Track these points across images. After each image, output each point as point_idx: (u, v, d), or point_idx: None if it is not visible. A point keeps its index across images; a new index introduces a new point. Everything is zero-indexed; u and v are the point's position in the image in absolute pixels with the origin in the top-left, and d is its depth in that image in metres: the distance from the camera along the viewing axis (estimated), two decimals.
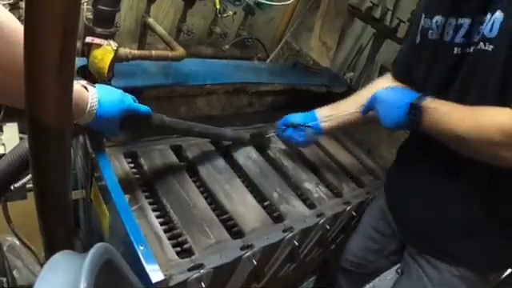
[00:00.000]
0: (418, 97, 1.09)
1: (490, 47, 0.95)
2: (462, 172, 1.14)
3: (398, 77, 1.38)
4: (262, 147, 1.68)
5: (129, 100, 1.05)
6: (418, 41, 1.21)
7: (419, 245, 1.35)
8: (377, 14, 2.62)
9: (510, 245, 1.18)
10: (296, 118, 1.55)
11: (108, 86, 1.02)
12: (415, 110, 1.07)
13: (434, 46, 1.14)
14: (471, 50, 1.02)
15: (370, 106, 1.26)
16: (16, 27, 0.62)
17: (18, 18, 1.46)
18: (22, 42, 0.60)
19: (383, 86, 1.28)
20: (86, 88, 0.93)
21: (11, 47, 0.60)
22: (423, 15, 1.17)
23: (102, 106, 0.95)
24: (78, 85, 0.91)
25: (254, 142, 1.67)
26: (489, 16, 0.96)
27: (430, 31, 1.14)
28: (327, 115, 1.50)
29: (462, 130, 0.98)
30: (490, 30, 0.94)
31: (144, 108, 1.11)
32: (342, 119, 1.47)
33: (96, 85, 0.99)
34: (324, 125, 1.51)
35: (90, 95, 0.92)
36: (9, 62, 0.61)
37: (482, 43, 0.97)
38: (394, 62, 1.48)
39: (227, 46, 2.14)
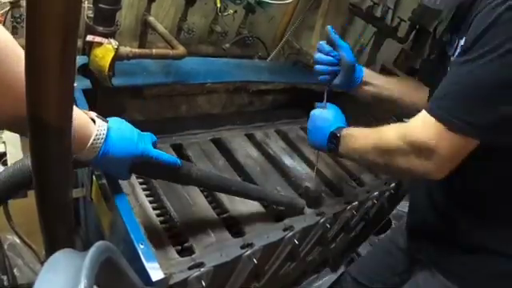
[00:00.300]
0: (339, 127, 1.22)
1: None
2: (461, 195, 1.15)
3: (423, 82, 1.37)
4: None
5: (145, 144, 0.92)
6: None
7: (421, 252, 1.35)
8: (378, 12, 2.61)
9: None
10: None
11: (125, 123, 0.91)
12: (334, 138, 1.20)
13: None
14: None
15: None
16: (7, 44, 0.59)
17: (19, 17, 1.46)
18: (11, 58, 0.59)
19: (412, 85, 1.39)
20: (95, 120, 0.82)
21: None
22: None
23: (108, 145, 0.83)
24: (84, 115, 0.81)
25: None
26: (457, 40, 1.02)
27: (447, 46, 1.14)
28: (371, 76, 1.42)
29: (368, 149, 1.10)
30: (453, 53, 1.02)
31: (167, 157, 0.96)
32: (383, 92, 1.41)
33: (114, 119, 0.90)
34: (365, 81, 1.41)
35: (97, 128, 0.81)
36: None
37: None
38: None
39: (228, 45, 2.14)
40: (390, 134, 1.05)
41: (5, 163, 1.15)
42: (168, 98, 1.58)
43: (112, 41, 1.15)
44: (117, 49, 1.15)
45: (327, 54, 1.36)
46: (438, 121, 0.93)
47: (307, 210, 1.43)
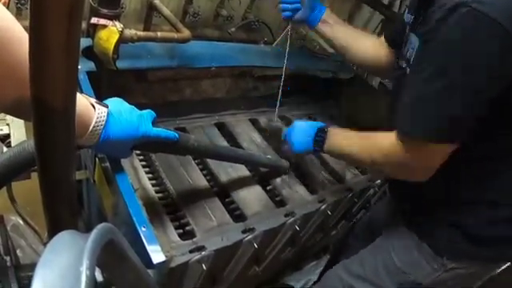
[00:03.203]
0: (323, 127, 1.32)
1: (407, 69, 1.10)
2: None
3: (388, 41, 1.46)
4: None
5: (146, 126, 0.93)
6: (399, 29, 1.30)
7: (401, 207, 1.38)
8: (385, 0, 2.59)
9: (468, 239, 1.16)
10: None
11: (127, 106, 0.92)
12: (322, 133, 1.30)
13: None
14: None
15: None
16: (9, 27, 0.58)
17: None
18: (14, 40, 0.59)
19: (371, 44, 1.51)
20: (95, 106, 0.81)
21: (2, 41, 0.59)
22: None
23: (108, 130, 0.84)
24: (85, 101, 0.80)
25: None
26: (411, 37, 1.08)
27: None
28: (332, 18, 1.56)
29: (352, 151, 1.22)
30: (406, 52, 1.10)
31: (165, 133, 0.98)
32: (339, 36, 1.55)
33: (114, 101, 0.90)
34: (324, 20, 1.55)
35: (97, 115, 0.80)
36: None
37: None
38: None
39: (233, 29, 2.12)
40: (372, 145, 1.16)
41: (9, 145, 1.15)
42: (172, 81, 1.57)
43: (117, 23, 1.15)
44: (121, 31, 1.14)
45: None
46: (408, 140, 1.02)
47: (309, 197, 1.44)
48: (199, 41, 1.65)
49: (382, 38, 1.50)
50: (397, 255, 1.30)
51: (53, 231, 0.64)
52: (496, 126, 1.02)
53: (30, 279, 0.35)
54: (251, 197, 1.33)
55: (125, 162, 1.14)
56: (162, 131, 0.97)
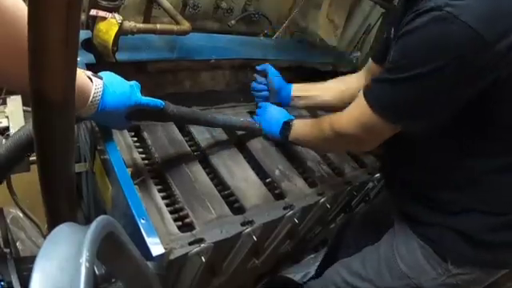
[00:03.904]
0: (290, 118, 1.49)
1: None
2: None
3: (375, 61, 1.48)
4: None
5: (136, 95, 1.02)
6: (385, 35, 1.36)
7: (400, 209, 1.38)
8: None
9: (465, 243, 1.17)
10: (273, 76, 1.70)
11: (117, 78, 0.99)
12: (287, 126, 1.46)
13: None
14: None
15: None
16: (15, 3, 0.60)
17: None
18: (17, 18, 0.60)
19: (355, 81, 1.55)
20: (91, 79, 0.89)
21: (8, 26, 0.59)
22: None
23: (105, 100, 0.92)
24: (83, 74, 0.87)
25: None
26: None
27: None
28: (301, 91, 1.66)
29: (309, 136, 1.38)
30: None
31: (153, 102, 1.07)
32: (313, 102, 1.64)
33: (104, 74, 0.96)
34: (294, 96, 1.65)
35: (94, 87, 0.88)
36: (4, 38, 0.60)
37: None
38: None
39: (233, 22, 2.12)
40: (325, 123, 1.28)
41: (8, 137, 1.15)
42: (172, 73, 1.57)
43: (116, 15, 1.14)
44: (121, 23, 1.14)
45: (259, 83, 1.71)
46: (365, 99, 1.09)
47: (308, 190, 1.44)
48: (199, 33, 1.65)
49: (362, 70, 1.58)
50: (401, 258, 1.30)
51: (52, 224, 0.64)
52: (486, 137, 1.06)
53: (29, 271, 0.35)
54: (250, 189, 1.33)
55: (124, 155, 1.15)
56: (150, 100, 1.06)
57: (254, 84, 1.73)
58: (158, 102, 1.08)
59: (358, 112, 1.12)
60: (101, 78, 0.92)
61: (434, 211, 1.21)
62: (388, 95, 1.04)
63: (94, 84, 0.88)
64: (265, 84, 1.70)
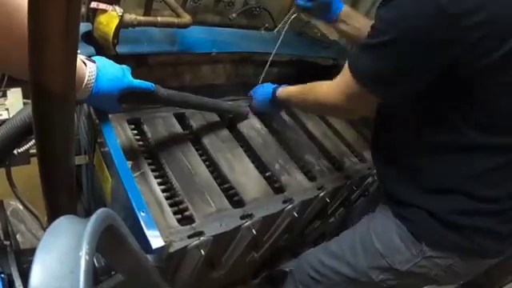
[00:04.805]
0: (278, 86, 1.55)
1: None
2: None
3: None
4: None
5: (128, 78, 1.03)
6: None
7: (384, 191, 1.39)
8: None
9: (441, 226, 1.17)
10: None
11: (109, 61, 1.00)
12: (274, 92, 1.53)
13: None
14: None
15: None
16: None
17: None
18: (20, 7, 0.60)
19: None
20: (85, 63, 0.91)
21: (11, 12, 0.59)
22: None
23: (99, 83, 0.94)
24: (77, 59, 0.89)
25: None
26: None
27: None
28: (350, 17, 1.58)
29: (301, 101, 1.43)
30: None
31: (144, 84, 1.08)
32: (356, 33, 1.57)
33: (96, 58, 0.98)
34: (340, 19, 1.58)
35: (88, 70, 0.90)
36: (7, 29, 0.60)
37: None
38: None
39: (234, 15, 2.11)
40: (317, 86, 1.31)
41: None
42: (172, 66, 1.57)
43: (117, 8, 1.14)
44: (121, 16, 1.14)
45: None
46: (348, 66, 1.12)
47: (308, 184, 1.44)
48: (200, 26, 1.64)
49: None
50: (377, 237, 1.30)
51: (52, 216, 0.65)
52: (457, 117, 1.07)
53: (29, 264, 0.35)
54: (250, 183, 1.33)
55: (124, 148, 1.15)
56: (141, 82, 1.08)
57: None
58: (149, 84, 1.10)
59: (342, 79, 1.16)
60: (94, 62, 0.94)
61: (412, 190, 1.21)
62: (362, 60, 1.08)
63: (87, 67, 0.90)
64: None
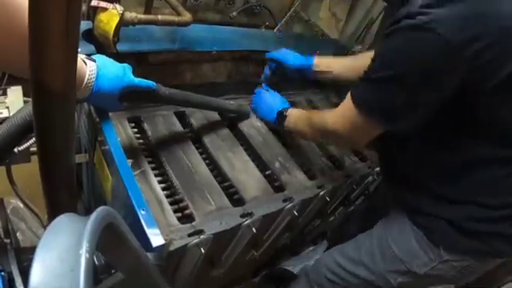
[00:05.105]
0: (284, 107, 1.51)
1: None
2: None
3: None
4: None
5: (129, 76, 1.03)
6: None
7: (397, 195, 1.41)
8: None
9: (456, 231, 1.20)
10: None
11: (109, 60, 1.00)
12: (281, 116, 1.49)
13: None
14: None
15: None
16: None
17: None
18: (20, 7, 0.60)
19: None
20: (85, 62, 0.90)
21: (11, 12, 0.59)
22: None
23: (99, 82, 0.93)
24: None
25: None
26: None
27: None
28: (323, 66, 1.67)
29: (301, 127, 1.40)
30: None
31: (145, 83, 1.08)
32: (333, 75, 1.65)
33: (97, 56, 0.98)
34: (315, 71, 1.67)
35: (88, 69, 0.90)
36: (7, 29, 0.61)
37: None
38: None
39: (235, 13, 2.11)
40: (317, 118, 1.32)
41: None
42: (173, 65, 1.57)
43: (117, 6, 1.14)
44: (122, 14, 1.14)
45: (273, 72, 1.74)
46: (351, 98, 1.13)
47: (308, 182, 1.44)
48: (200, 24, 1.64)
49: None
50: (394, 242, 1.32)
51: (53, 214, 0.65)
52: (469, 135, 1.11)
53: (30, 262, 0.36)
54: (250, 181, 1.33)
55: (124, 146, 1.15)
56: (142, 81, 1.07)
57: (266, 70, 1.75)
58: (150, 83, 1.09)
59: (345, 109, 1.16)
60: (94, 61, 0.93)
61: (427, 199, 1.23)
62: (365, 93, 1.10)
63: (88, 66, 0.90)
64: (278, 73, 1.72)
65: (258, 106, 1.64)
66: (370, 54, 1.53)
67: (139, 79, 1.06)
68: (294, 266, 2.14)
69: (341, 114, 1.19)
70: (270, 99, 1.60)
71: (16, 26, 0.59)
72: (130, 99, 1.09)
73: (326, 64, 1.67)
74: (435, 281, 1.33)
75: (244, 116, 1.63)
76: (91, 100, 0.98)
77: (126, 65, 1.05)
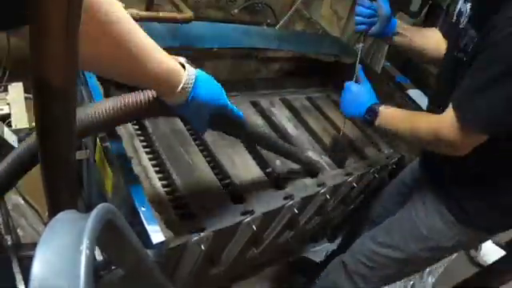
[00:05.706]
0: (375, 103, 1.41)
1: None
2: None
3: (440, 31, 1.53)
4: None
5: (225, 98, 0.93)
6: (453, 20, 1.31)
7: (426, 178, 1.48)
8: None
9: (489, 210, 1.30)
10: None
11: (209, 75, 0.91)
12: (372, 112, 1.39)
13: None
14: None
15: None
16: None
17: None
18: (111, 11, 0.64)
19: (436, 40, 1.52)
20: (184, 66, 0.83)
21: (103, 17, 0.63)
22: None
23: (197, 90, 0.83)
24: (173, 60, 0.81)
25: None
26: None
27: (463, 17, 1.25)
28: (404, 29, 1.57)
29: (401, 130, 1.32)
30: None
31: (237, 110, 0.98)
32: (409, 40, 1.57)
33: (197, 70, 0.88)
34: (397, 32, 1.57)
35: (187, 73, 0.81)
36: (99, 33, 0.64)
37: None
38: None
39: (236, 11, 2.11)
40: (423, 126, 1.23)
41: (9, 125, 1.15)
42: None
43: (118, 3, 1.14)
44: None
45: (367, 7, 1.52)
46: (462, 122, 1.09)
47: (308, 180, 1.45)
48: (202, 22, 1.64)
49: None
50: (421, 222, 1.42)
51: (53, 211, 0.65)
52: None
53: (30, 258, 0.36)
54: (251, 179, 1.33)
55: (125, 143, 1.15)
56: (235, 107, 0.98)
57: (359, 8, 1.54)
58: (240, 112, 1.01)
59: (461, 124, 1.11)
60: (194, 67, 0.86)
61: (474, 192, 1.32)
62: (484, 108, 1.05)
63: (186, 70, 0.82)
64: (373, 8, 1.52)
65: (345, 98, 1.50)
66: (432, 29, 1.57)
67: (232, 104, 0.97)
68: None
69: (456, 127, 1.12)
70: (360, 93, 1.47)
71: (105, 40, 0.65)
72: (218, 123, 1.00)
73: (402, 28, 1.58)
74: (459, 249, 1.50)
75: (311, 173, 1.53)
76: (183, 110, 0.87)
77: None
